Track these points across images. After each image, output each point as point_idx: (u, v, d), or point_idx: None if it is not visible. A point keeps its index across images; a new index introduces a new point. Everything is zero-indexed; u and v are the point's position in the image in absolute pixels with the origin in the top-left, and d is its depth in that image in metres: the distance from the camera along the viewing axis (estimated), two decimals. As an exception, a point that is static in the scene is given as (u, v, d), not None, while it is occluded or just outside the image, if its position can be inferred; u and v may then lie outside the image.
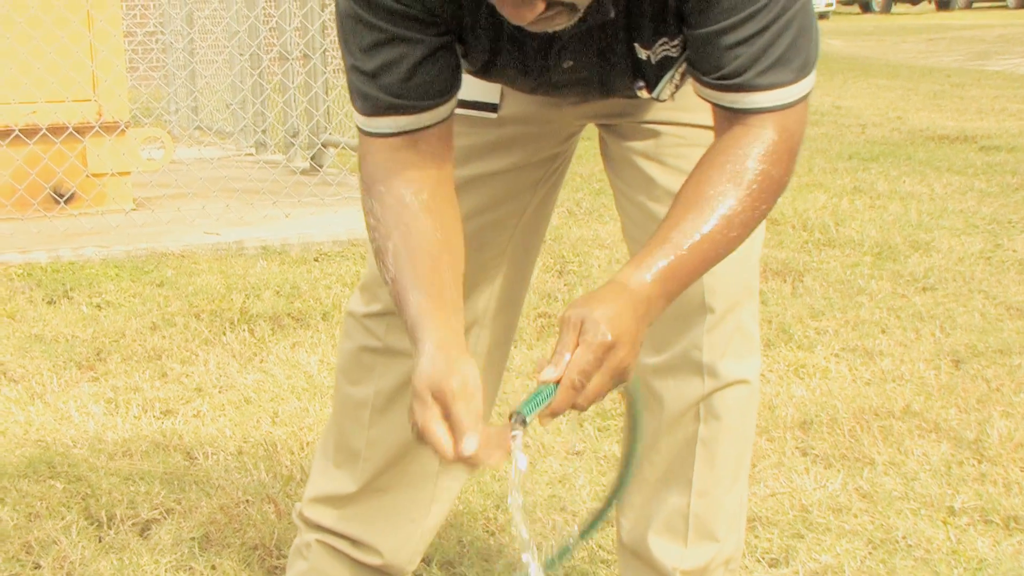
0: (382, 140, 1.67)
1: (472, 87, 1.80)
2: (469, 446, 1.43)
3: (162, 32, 8.90)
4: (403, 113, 1.64)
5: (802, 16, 1.57)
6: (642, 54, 1.66)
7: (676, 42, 1.64)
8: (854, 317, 3.95)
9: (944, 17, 25.87)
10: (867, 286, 4.30)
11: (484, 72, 1.73)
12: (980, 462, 2.85)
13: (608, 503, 1.73)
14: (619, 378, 1.50)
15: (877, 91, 11.19)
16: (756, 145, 1.57)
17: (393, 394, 1.98)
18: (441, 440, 1.45)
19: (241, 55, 7.53)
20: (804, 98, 1.60)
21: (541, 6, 1.45)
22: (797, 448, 2.96)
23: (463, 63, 1.71)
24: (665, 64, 1.68)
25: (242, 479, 2.80)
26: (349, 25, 1.63)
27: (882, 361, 3.54)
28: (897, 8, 29.48)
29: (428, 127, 1.65)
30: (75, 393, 3.41)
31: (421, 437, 1.47)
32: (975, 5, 30.60)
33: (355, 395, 2.02)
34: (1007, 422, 3.04)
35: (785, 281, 4.39)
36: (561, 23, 1.51)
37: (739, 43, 1.54)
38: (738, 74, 1.55)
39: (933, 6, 30.21)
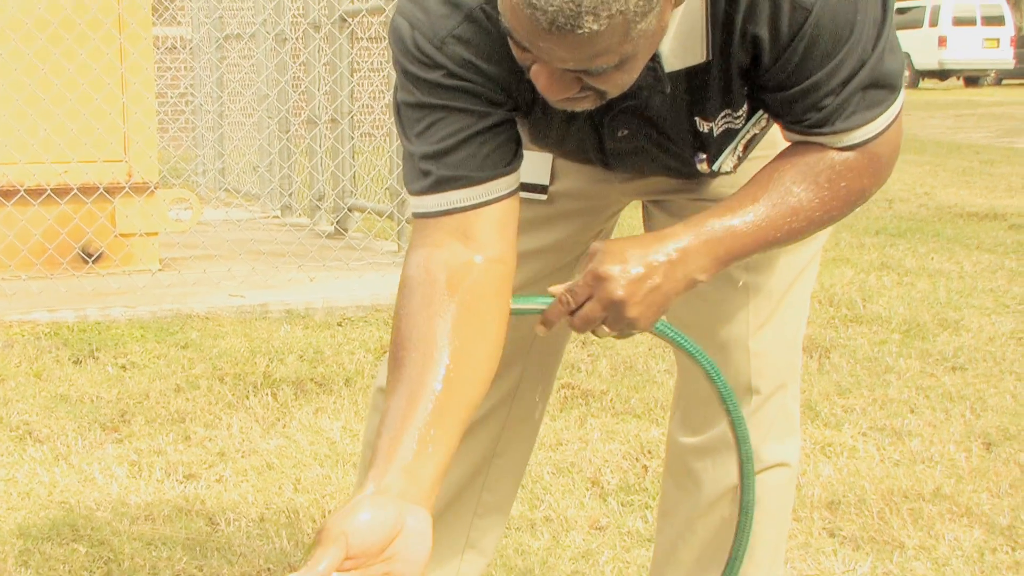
0: (434, 221, 1.56)
1: (523, 168, 1.79)
2: None
3: (193, 95, 8.99)
4: (456, 187, 1.55)
5: (884, 43, 1.54)
6: (704, 127, 1.64)
7: (739, 113, 1.62)
8: (882, 395, 3.92)
9: (973, 93, 25.89)
10: (895, 364, 4.27)
11: (558, 144, 1.73)
12: (1014, 549, 2.80)
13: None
14: (614, 313, 1.52)
15: (904, 166, 11.17)
16: (839, 159, 1.56)
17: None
18: None
19: (270, 119, 7.59)
20: (892, 123, 1.58)
21: (576, 87, 1.44)
22: (824, 529, 2.92)
23: (532, 139, 1.70)
24: (727, 136, 1.66)
25: (264, 546, 2.78)
26: (407, 111, 1.58)
27: (911, 441, 3.49)
28: (925, 83, 29.54)
29: (483, 204, 1.57)
30: (99, 455, 3.40)
31: None
32: (1004, 82, 30.65)
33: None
34: (1040, 508, 3.00)
35: (812, 357, 4.36)
36: (587, 105, 1.50)
37: (826, 95, 1.53)
38: (824, 123, 1.54)
39: (961, 82, 30.26)
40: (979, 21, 29.02)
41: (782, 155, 1.58)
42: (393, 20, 1.59)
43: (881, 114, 1.55)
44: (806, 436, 3.53)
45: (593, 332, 1.55)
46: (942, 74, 29.60)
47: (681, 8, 1.49)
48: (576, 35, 1.34)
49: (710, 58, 1.55)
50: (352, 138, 6.90)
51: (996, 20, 29.18)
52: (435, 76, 1.54)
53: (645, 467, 3.27)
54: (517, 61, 1.47)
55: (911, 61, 28.76)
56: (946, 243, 6.76)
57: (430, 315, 1.50)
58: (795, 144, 1.59)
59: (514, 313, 1.59)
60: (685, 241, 1.53)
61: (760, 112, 1.65)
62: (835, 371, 4.20)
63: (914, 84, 28.99)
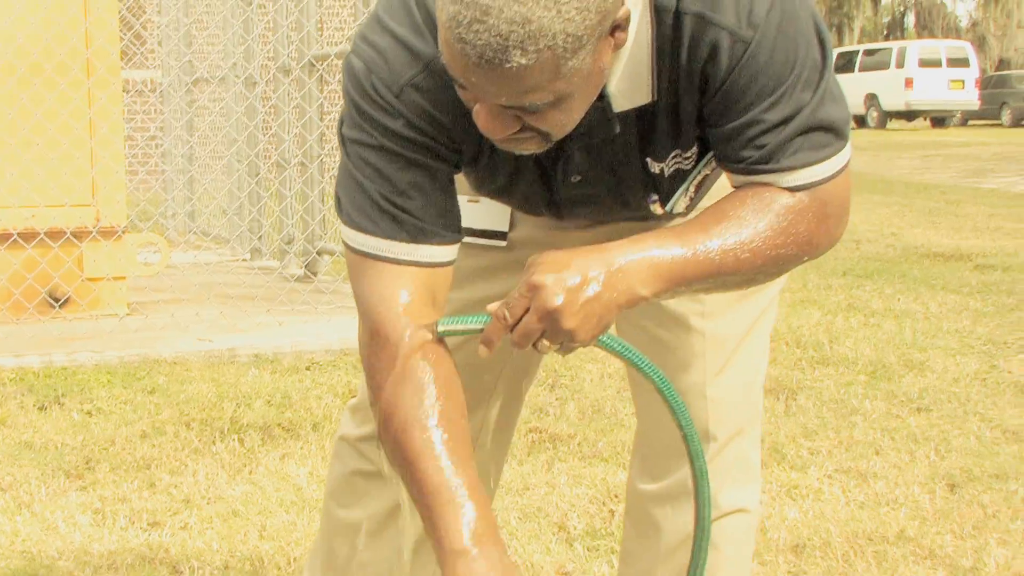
0: (395, 268, 1.58)
1: (482, 215, 1.79)
2: None
3: (162, 138, 8.99)
4: (425, 240, 1.58)
5: (824, 89, 1.53)
6: (655, 168, 1.65)
7: (689, 154, 1.63)
8: (848, 437, 3.93)
9: (939, 134, 26.16)
10: (861, 406, 4.29)
11: (503, 192, 1.72)
12: (976, 591, 2.82)
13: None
14: (552, 325, 1.48)
15: (872, 207, 11.26)
16: (789, 199, 1.55)
17: (386, 517, 1.96)
18: None
19: (240, 162, 7.59)
20: (840, 171, 1.56)
21: (516, 125, 1.45)
22: (789, 572, 2.92)
23: (476, 187, 1.70)
24: (678, 177, 1.67)
25: (228, 595, 2.76)
26: (360, 150, 1.58)
27: (876, 483, 3.51)
28: (892, 124, 29.84)
29: (442, 265, 1.60)
30: (63, 503, 3.37)
31: None
32: (970, 123, 31.01)
33: (346, 518, 1.99)
34: (1004, 550, 3.01)
35: (778, 399, 4.37)
36: (531, 148, 1.51)
37: (764, 132, 1.52)
38: (768, 159, 1.53)
39: (928, 123, 30.60)
40: (944, 63, 29.41)
41: (737, 190, 1.58)
42: (347, 59, 1.58)
43: (828, 158, 1.54)
44: (772, 479, 3.54)
45: (535, 347, 1.51)
46: (909, 115, 29.95)
47: (628, 49, 1.51)
48: (504, 69, 1.36)
49: (656, 98, 1.56)
50: (321, 181, 6.91)
51: (961, 62, 29.58)
52: (396, 125, 1.55)
53: (612, 511, 3.27)
54: (465, 104, 1.49)
55: (879, 102, 29.09)
56: (912, 284, 6.81)
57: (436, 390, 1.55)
58: (748, 184, 1.59)
59: (451, 335, 1.56)
60: (628, 254, 1.50)
61: (711, 153, 1.66)
62: (801, 413, 4.22)
63: (882, 125, 29.30)
